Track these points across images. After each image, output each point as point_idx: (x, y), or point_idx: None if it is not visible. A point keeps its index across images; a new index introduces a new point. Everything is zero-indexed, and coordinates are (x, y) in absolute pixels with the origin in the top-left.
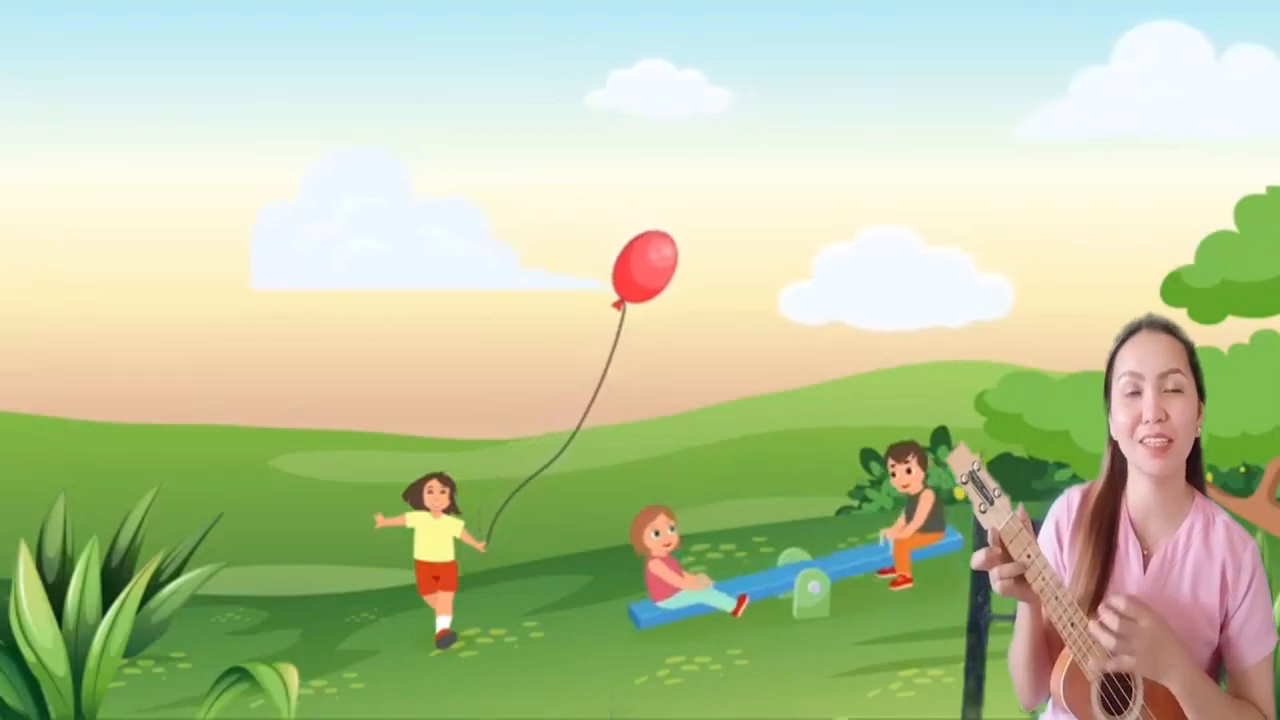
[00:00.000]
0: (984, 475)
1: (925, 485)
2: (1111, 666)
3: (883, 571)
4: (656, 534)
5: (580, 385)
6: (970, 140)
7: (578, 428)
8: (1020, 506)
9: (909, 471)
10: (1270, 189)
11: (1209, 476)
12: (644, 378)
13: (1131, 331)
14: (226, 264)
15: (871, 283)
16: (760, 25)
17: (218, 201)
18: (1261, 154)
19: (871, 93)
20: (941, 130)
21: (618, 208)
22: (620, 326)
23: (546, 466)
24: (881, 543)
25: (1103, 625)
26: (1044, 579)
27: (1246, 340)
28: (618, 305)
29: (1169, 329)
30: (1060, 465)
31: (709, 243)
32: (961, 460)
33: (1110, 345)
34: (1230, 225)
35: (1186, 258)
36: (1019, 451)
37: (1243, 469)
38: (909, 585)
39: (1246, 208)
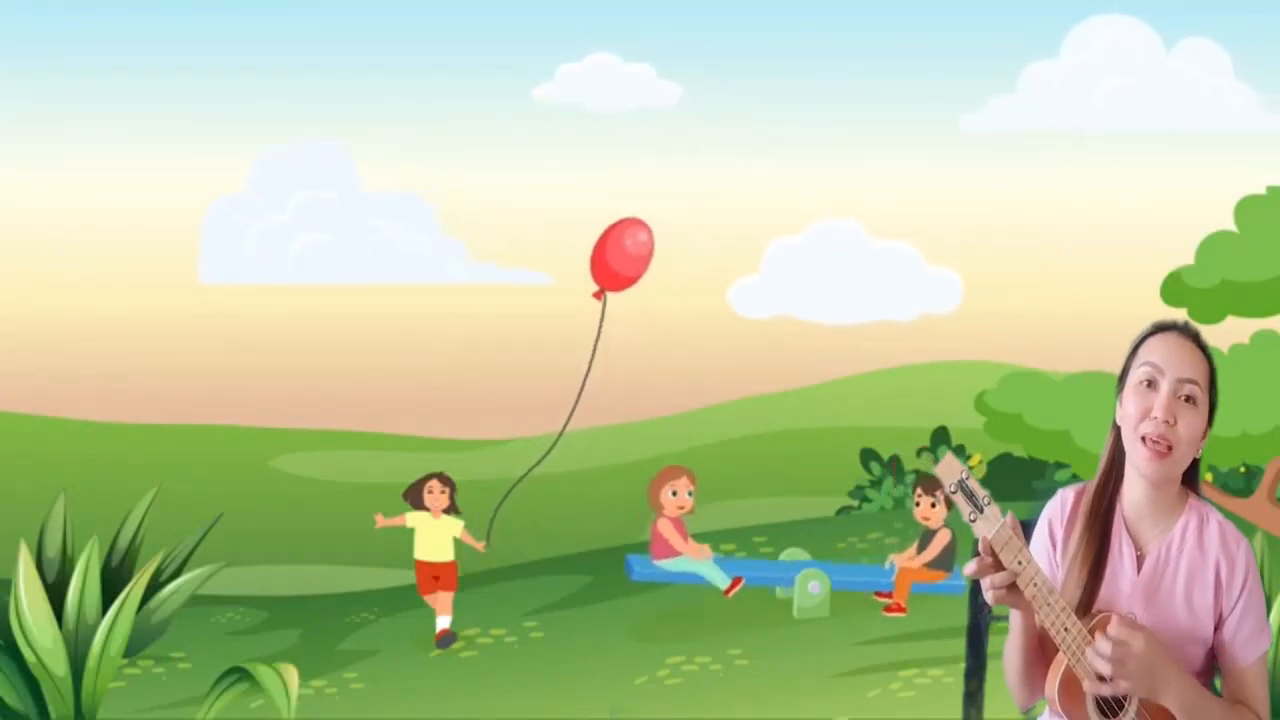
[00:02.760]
0: (973, 484)
1: (945, 524)
2: (1107, 691)
3: (880, 594)
4: (674, 494)
5: (594, 386)
6: (919, 135)
7: (567, 421)
8: (1010, 514)
9: (933, 505)
10: (1270, 189)
11: (1208, 477)
12: (642, 378)
13: (1163, 328)
14: (178, 260)
15: (820, 276)
16: (709, 19)
17: (167, 197)
18: (1214, 147)
19: (820, 87)
20: (890, 124)
21: (567, 200)
22: (602, 317)
23: (536, 465)
24: (887, 566)
25: (1097, 651)
26: (1036, 585)
27: (1246, 340)
28: (598, 296)
29: (1200, 341)
30: (1060, 465)
31: (657, 236)
32: (950, 470)
33: (1137, 334)
34: (1174, 217)
35: (1136, 249)
36: (1019, 451)
37: (1243, 469)
38: (902, 614)
39: (1246, 208)
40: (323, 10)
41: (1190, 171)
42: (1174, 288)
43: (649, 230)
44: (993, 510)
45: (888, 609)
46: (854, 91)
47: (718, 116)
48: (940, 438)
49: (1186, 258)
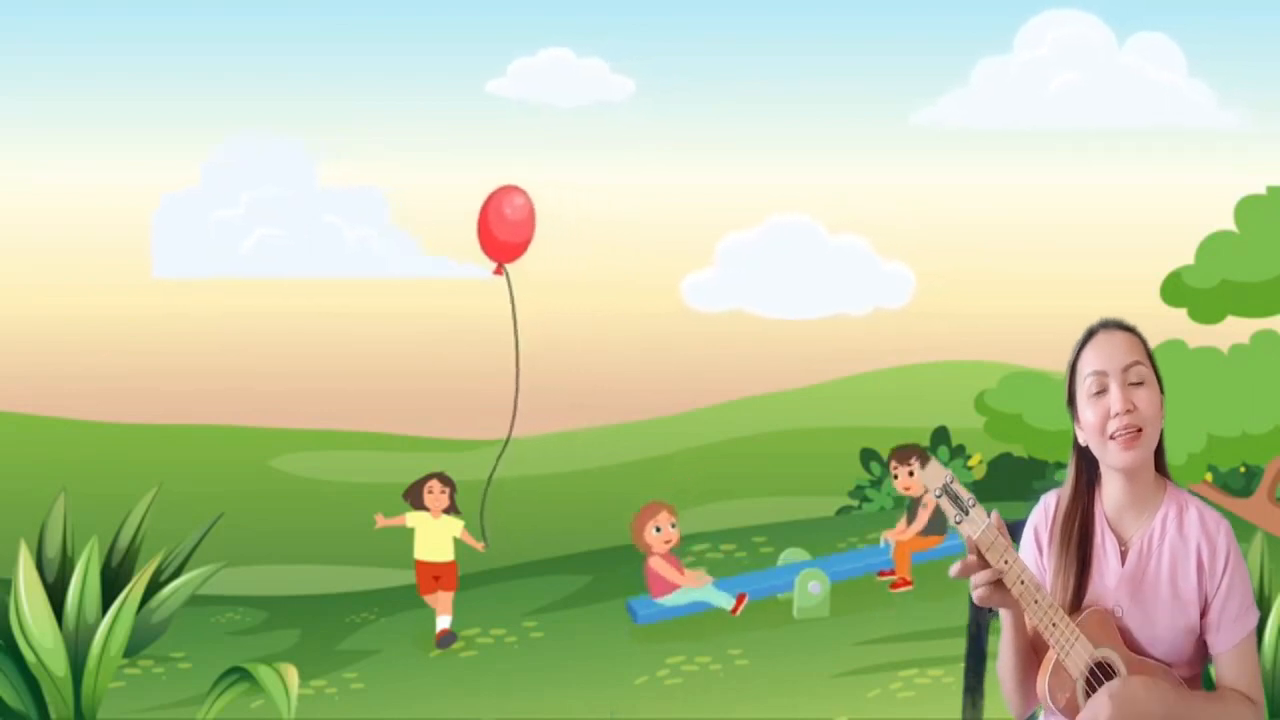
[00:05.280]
0: (958, 487)
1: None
2: None
3: (883, 574)
4: (658, 530)
5: (581, 384)
6: (874, 130)
7: (513, 414)
8: (995, 513)
9: (911, 474)
10: (1270, 189)
11: (1208, 477)
12: (639, 378)
13: (1090, 335)
14: (132, 256)
15: (774, 270)
16: (664, 15)
17: (119, 194)
18: (1169, 143)
19: (773, 82)
20: (844, 120)
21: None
22: (511, 292)
23: (498, 460)
24: (882, 544)
25: None
26: (1022, 583)
27: (1246, 340)
28: (498, 271)
29: (1124, 326)
30: (1060, 465)
31: (610, 230)
32: (935, 475)
33: (1070, 352)
34: (1135, 213)
35: (1096, 245)
36: (1019, 451)
37: (1243, 469)
38: (909, 588)
39: (1246, 208)
40: (276, 6)
41: (1145, 168)
42: (1174, 288)
43: (524, 193)
44: (978, 512)
45: (894, 585)
46: (807, 86)
47: (671, 111)
48: (940, 438)
49: (1146, 253)
